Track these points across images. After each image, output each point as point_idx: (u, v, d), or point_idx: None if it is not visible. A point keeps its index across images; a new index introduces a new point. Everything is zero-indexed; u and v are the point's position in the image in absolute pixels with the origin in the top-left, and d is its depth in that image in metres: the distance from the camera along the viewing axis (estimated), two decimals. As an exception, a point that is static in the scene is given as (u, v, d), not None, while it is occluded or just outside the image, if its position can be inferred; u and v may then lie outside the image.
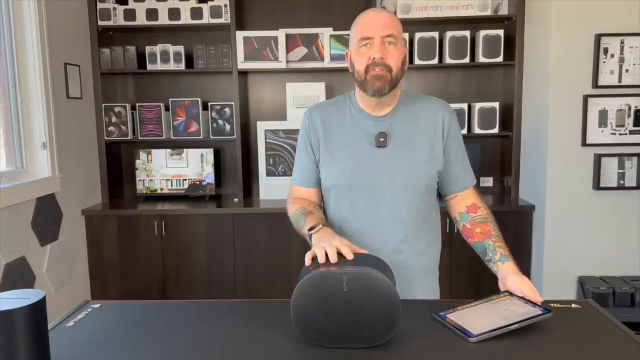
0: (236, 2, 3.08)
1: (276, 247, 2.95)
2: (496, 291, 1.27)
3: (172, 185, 3.26)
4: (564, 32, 2.71)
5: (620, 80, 2.71)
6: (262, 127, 3.21)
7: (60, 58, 2.84)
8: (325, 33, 3.06)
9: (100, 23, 3.08)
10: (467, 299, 1.21)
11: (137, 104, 3.22)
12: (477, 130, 3.08)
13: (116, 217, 3.00)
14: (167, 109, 3.23)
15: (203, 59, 3.13)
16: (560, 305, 1.23)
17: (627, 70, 2.70)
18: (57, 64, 2.81)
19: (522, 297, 1.21)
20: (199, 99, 3.20)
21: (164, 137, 3.21)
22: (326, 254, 1.10)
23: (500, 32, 3.01)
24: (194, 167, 3.24)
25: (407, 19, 3.04)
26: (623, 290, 2.65)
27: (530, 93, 2.98)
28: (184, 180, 3.25)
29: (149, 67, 3.15)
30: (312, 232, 1.27)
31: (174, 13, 3.07)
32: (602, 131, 2.73)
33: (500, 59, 3.02)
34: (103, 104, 3.16)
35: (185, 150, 3.24)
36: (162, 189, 3.26)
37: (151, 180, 3.25)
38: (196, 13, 3.07)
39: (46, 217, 2.69)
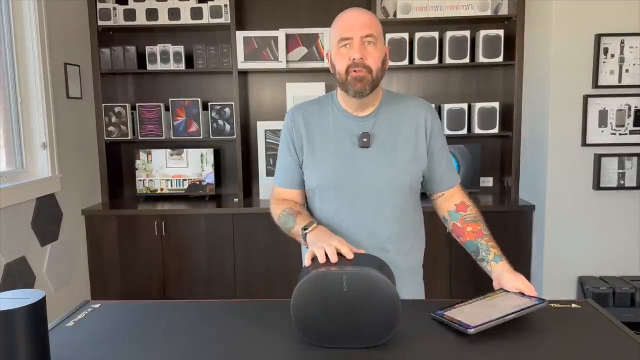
0: (236, 2, 3.08)
1: (276, 247, 2.95)
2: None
3: (172, 186, 3.26)
4: (564, 32, 2.71)
5: (620, 80, 2.71)
6: (262, 127, 3.21)
7: (60, 58, 2.84)
8: (325, 33, 3.06)
9: (100, 23, 3.08)
10: (467, 298, 1.21)
11: (137, 104, 3.22)
12: (477, 130, 3.08)
13: (116, 217, 3.00)
14: (167, 109, 3.24)
15: (203, 59, 3.13)
16: (560, 305, 1.23)
17: (627, 70, 2.70)
18: (57, 64, 2.81)
19: (517, 293, 1.21)
20: (199, 99, 3.20)
21: (164, 137, 3.21)
22: (326, 254, 1.10)
23: (500, 32, 3.01)
24: (193, 167, 3.24)
25: (407, 19, 3.04)
26: (623, 290, 2.65)
27: (530, 93, 2.98)
28: (183, 180, 3.25)
29: (149, 67, 3.15)
30: (306, 230, 1.27)
31: (174, 13, 3.07)
32: (602, 131, 2.74)
33: (500, 59, 3.02)
34: (103, 104, 3.16)
35: (185, 150, 3.24)
36: (162, 189, 3.26)
37: (151, 180, 3.25)
38: (196, 13, 3.07)
39: (46, 217, 2.69)
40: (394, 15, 3.11)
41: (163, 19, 3.07)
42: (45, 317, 0.93)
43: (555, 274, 2.84)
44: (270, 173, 3.17)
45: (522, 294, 1.20)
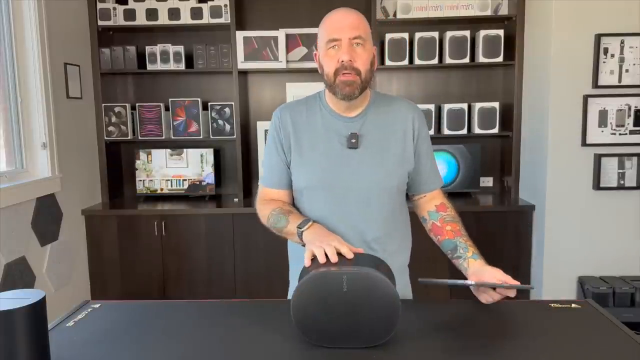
0: (236, 2, 3.08)
1: (276, 247, 2.94)
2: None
3: (172, 186, 3.26)
4: (564, 32, 2.71)
5: (620, 80, 2.71)
6: (262, 127, 3.21)
7: (60, 58, 2.84)
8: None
9: (100, 23, 3.08)
10: (467, 299, 1.21)
11: (137, 104, 3.22)
12: (477, 130, 3.08)
13: (116, 217, 3.00)
14: (167, 109, 3.23)
15: (203, 59, 3.13)
16: (560, 305, 1.23)
17: (627, 70, 2.70)
18: (57, 64, 2.81)
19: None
20: (199, 99, 3.20)
21: (164, 137, 3.21)
22: (326, 254, 1.10)
23: (500, 32, 3.01)
24: (193, 167, 3.24)
25: (407, 19, 3.04)
26: (623, 290, 2.65)
27: (530, 93, 2.98)
28: (183, 180, 3.25)
29: (149, 67, 3.15)
30: (302, 229, 1.26)
31: (174, 13, 3.07)
32: (602, 131, 2.74)
33: (500, 59, 3.02)
34: (103, 104, 3.16)
35: (185, 150, 3.24)
36: (162, 189, 3.26)
37: (151, 180, 3.25)
38: (196, 13, 3.07)
39: (46, 217, 2.69)
40: (394, 15, 3.11)
41: (163, 19, 3.07)
42: (45, 317, 0.93)
43: (555, 274, 2.84)
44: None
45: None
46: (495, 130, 3.08)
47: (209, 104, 3.20)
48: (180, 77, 3.37)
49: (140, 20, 3.08)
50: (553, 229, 2.81)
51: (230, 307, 1.26)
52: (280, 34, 3.09)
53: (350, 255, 1.10)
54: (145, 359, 1.00)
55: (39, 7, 2.62)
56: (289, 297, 1.48)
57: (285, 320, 1.09)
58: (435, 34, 3.04)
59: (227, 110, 3.18)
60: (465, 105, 3.10)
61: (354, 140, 1.35)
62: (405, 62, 3.05)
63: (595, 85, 2.71)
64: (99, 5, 3.08)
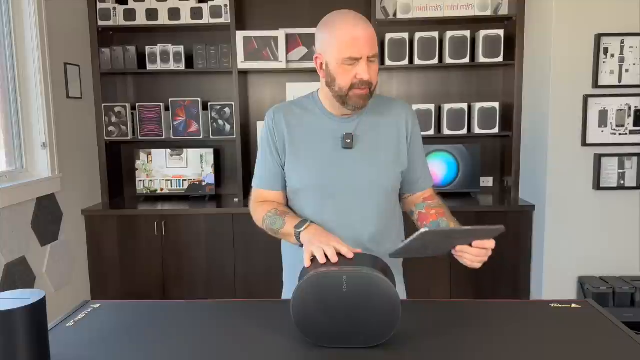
0: (236, 2, 3.08)
1: (276, 247, 2.92)
2: (495, 292, 1.28)
3: (172, 186, 3.26)
4: (564, 32, 2.71)
5: (620, 80, 2.71)
6: (262, 127, 3.21)
7: (60, 58, 2.84)
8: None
9: (100, 23, 3.08)
10: (467, 298, 1.21)
11: (137, 104, 3.22)
12: (477, 130, 3.08)
13: (116, 217, 3.00)
14: (167, 109, 3.23)
15: (203, 59, 3.13)
16: (560, 305, 1.23)
17: (627, 70, 2.70)
18: (57, 64, 2.81)
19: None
20: (199, 99, 3.20)
21: (164, 137, 3.21)
22: (326, 255, 1.10)
23: (500, 32, 3.01)
24: (193, 167, 3.24)
25: (407, 19, 3.04)
26: (623, 290, 2.65)
27: (530, 93, 2.98)
28: (183, 180, 3.25)
29: (149, 67, 3.14)
30: (300, 229, 1.26)
31: (174, 13, 3.07)
32: (602, 131, 2.73)
33: (500, 59, 3.02)
34: (103, 104, 3.16)
35: (185, 150, 3.23)
36: (162, 189, 3.26)
37: (151, 180, 3.25)
38: (196, 13, 3.07)
39: (46, 217, 2.69)
40: (394, 15, 3.11)
41: (163, 19, 3.07)
42: (45, 317, 0.93)
43: (555, 274, 2.84)
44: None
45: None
46: (495, 130, 3.08)
47: (209, 104, 3.20)
48: (180, 77, 3.37)
49: (140, 20, 3.08)
50: (553, 229, 2.81)
51: (230, 307, 1.26)
52: (280, 34, 3.09)
53: (350, 255, 1.10)
54: (145, 359, 1.00)
55: (39, 7, 2.62)
56: (283, 297, 1.49)
57: (285, 320, 1.09)
58: (435, 34, 3.04)
59: (227, 110, 3.18)
60: (465, 105, 3.10)
61: (348, 141, 1.35)
62: (405, 62, 3.05)
63: (595, 85, 2.71)
64: (99, 5, 3.08)
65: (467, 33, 3.03)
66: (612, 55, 2.69)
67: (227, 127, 3.19)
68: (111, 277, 3.04)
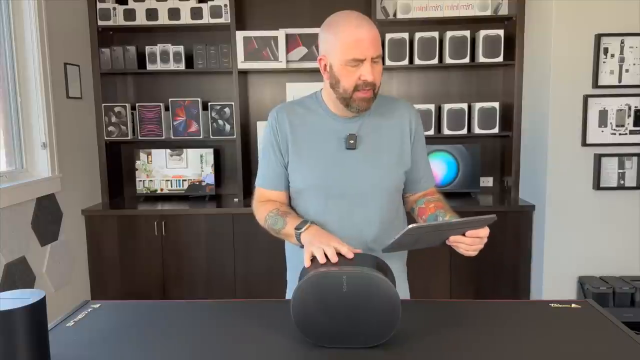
0: (236, 2, 3.08)
1: (276, 247, 2.92)
2: (495, 292, 1.28)
3: (172, 186, 3.26)
4: (564, 32, 2.71)
5: (620, 80, 2.71)
6: (262, 127, 3.21)
7: (60, 58, 2.84)
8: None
9: (100, 23, 3.08)
10: (467, 298, 1.21)
11: (137, 104, 3.22)
12: (477, 130, 3.08)
13: (116, 217, 3.00)
14: (167, 109, 3.23)
15: (203, 59, 3.13)
16: (560, 305, 1.23)
17: (627, 70, 2.70)
18: (57, 64, 2.81)
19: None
20: (199, 99, 3.20)
21: (164, 137, 3.21)
22: (326, 255, 1.10)
23: (500, 32, 3.01)
24: (193, 167, 3.24)
25: (407, 19, 3.04)
26: (623, 290, 2.65)
27: (530, 93, 2.98)
28: (183, 180, 3.25)
29: (149, 67, 3.14)
30: (300, 230, 1.26)
31: (174, 13, 3.07)
32: (602, 131, 2.73)
33: (500, 59, 3.02)
34: (103, 104, 3.16)
35: (185, 150, 3.23)
36: (161, 189, 3.26)
37: (151, 180, 3.25)
38: (196, 13, 3.07)
39: (46, 217, 2.69)
40: (394, 15, 3.11)
41: (163, 19, 3.07)
42: (45, 317, 0.93)
43: (555, 274, 2.84)
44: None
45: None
46: (495, 130, 3.08)
47: (209, 104, 3.20)
48: (180, 77, 3.37)
49: (140, 20, 3.08)
50: (553, 229, 2.81)
51: (230, 307, 1.26)
52: (280, 34, 3.09)
53: (350, 255, 1.10)
54: (145, 359, 1.00)
55: (39, 7, 2.62)
56: (287, 297, 1.49)
57: (285, 320, 1.09)
58: (435, 34, 3.04)
59: (227, 110, 3.18)
60: (465, 105, 3.10)
61: (352, 141, 1.35)
62: (405, 62, 3.05)
63: (595, 85, 2.71)
64: (99, 5, 3.08)
65: (467, 33, 3.03)
66: (612, 55, 2.69)
67: (227, 127, 3.19)
68: (111, 277, 3.04)
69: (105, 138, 3.18)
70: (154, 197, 3.30)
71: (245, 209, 2.97)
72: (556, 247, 2.82)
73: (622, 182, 2.76)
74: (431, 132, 3.10)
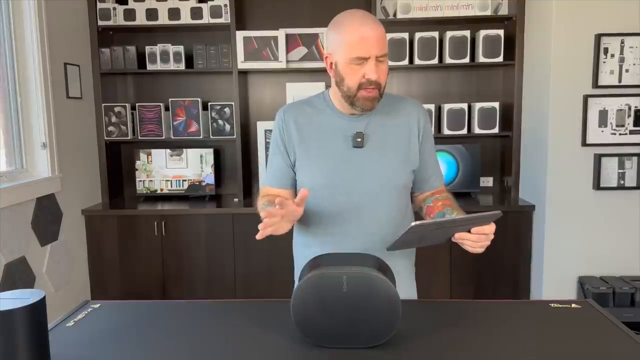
0: (236, 2, 3.08)
1: (276, 247, 2.94)
2: (495, 292, 1.28)
3: (172, 186, 3.26)
4: (564, 32, 2.71)
5: (620, 80, 2.71)
6: (262, 127, 3.21)
7: (60, 58, 2.84)
8: (325, 33, 3.06)
9: (100, 23, 3.08)
10: (467, 298, 1.21)
11: (137, 104, 3.22)
12: (477, 130, 3.08)
13: (116, 217, 3.00)
14: (167, 109, 3.23)
15: (203, 59, 3.13)
16: (560, 305, 1.23)
17: (627, 70, 2.70)
18: (57, 64, 2.81)
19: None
20: (199, 99, 3.20)
21: (164, 137, 3.21)
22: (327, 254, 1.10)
23: (500, 32, 3.01)
24: (193, 167, 3.24)
25: (407, 19, 3.04)
26: (623, 290, 2.65)
27: (530, 93, 2.98)
28: (183, 180, 3.25)
29: (149, 67, 3.14)
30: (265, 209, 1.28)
31: (174, 13, 3.07)
32: (602, 131, 2.73)
33: (500, 59, 3.02)
34: (103, 104, 3.16)
35: (185, 150, 3.23)
36: (161, 190, 3.26)
37: (151, 180, 3.25)
38: (196, 13, 3.07)
39: (46, 217, 2.69)
40: (394, 15, 3.11)
41: (163, 19, 3.07)
42: (45, 317, 0.93)
43: (555, 274, 2.84)
44: (270, 173, 3.17)
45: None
46: (495, 130, 3.08)
47: (209, 104, 3.20)
48: (180, 77, 3.37)
49: (140, 20, 3.08)
50: (553, 229, 2.81)
51: (230, 307, 1.26)
52: (280, 34, 3.09)
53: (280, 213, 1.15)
54: (145, 359, 1.00)
55: (39, 7, 2.62)
56: None
57: (285, 320, 1.09)
58: (435, 34, 3.04)
59: (227, 110, 3.18)
60: (465, 105, 3.10)
61: (359, 139, 1.35)
62: (405, 62, 3.05)
63: (595, 85, 2.71)
64: (99, 5, 3.08)
65: (467, 33, 3.03)
66: (612, 55, 2.69)
67: (227, 127, 3.19)
68: (111, 277, 3.04)
69: (105, 138, 3.18)
70: (154, 197, 3.30)
71: (245, 209, 2.97)
72: (556, 247, 2.82)
73: (622, 182, 2.76)
74: (431, 132, 3.09)
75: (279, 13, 3.26)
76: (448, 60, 3.05)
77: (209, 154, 3.23)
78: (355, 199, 1.36)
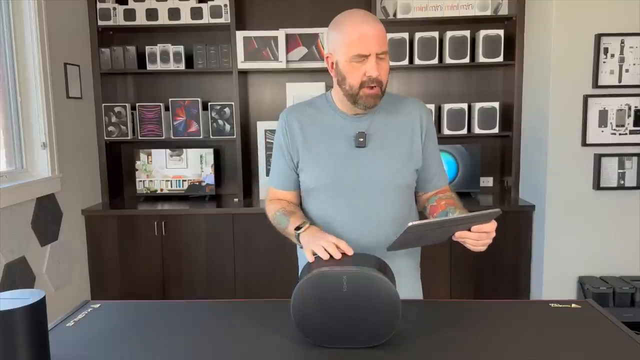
0: (236, 2, 3.08)
1: (276, 247, 2.95)
2: (495, 292, 1.28)
3: (172, 186, 3.26)
4: (564, 32, 2.71)
5: (620, 80, 2.71)
6: (262, 127, 3.21)
7: (60, 58, 2.84)
8: (325, 33, 3.06)
9: (100, 23, 3.08)
10: (467, 298, 1.21)
11: (137, 104, 3.22)
12: (477, 130, 3.08)
13: (116, 217, 3.00)
14: (167, 109, 3.23)
15: (203, 59, 3.13)
16: (560, 305, 1.23)
17: (627, 70, 2.70)
18: (57, 64, 2.81)
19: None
20: (199, 99, 3.20)
21: (164, 137, 3.21)
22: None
23: (500, 32, 3.01)
24: (193, 167, 3.24)
25: (407, 19, 3.04)
26: (623, 290, 2.65)
27: (530, 93, 2.98)
28: (183, 181, 3.25)
29: (149, 67, 3.14)
30: (300, 230, 1.27)
31: (174, 13, 3.07)
32: (602, 131, 2.73)
33: (500, 59, 3.02)
34: (103, 104, 3.16)
35: (184, 150, 3.23)
36: (161, 190, 3.26)
37: (151, 181, 3.25)
38: (196, 13, 3.07)
39: (46, 217, 2.69)
40: (394, 15, 3.11)
41: (163, 19, 3.07)
42: (45, 317, 0.93)
43: (555, 274, 2.84)
44: (270, 173, 3.17)
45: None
46: (495, 130, 3.08)
47: (209, 104, 3.20)
48: (180, 77, 3.37)
49: (140, 20, 3.08)
50: (553, 228, 2.81)
51: (230, 307, 1.26)
52: (280, 34, 3.09)
53: (350, 252, 1.10)
54: (145, 358, 1.00)
55: (39, 7, 2.62)
56: None
57: (285, 320, 1.09)
58: (435, 34, 3.04)
59: (227, 110, 3.18)
60: (465, 105, 3.10)
61: (362, 139, 1.35)
62: (405, 62, 3.05)
63: (595, 85, 2.71)
64: (99, 5, 3.08)
65: (467, 33, 3.03)
66: (612, 55, 2.69)
67: (227, 127, 3.19)
68: (111, 277, 3.04)
69: (105, 138, 3.18)
70: (154, 197, 3.30)
71: (245, 209, 2.97)
72: (556, 247, 2.82)
73: (622, 182, 2.76)
74: (431, 132, 3.09)
75: (279, 13, 3.26)
76: (448, 60, 3.05)
77: (209, 154, 3.23)
78: (358, 199, 1.36)
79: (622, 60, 2.69)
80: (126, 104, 3.19)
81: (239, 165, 3.22)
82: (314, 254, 1.13)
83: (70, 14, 2.95)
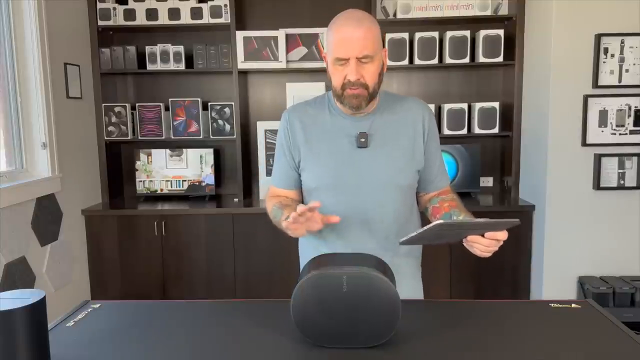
0: (236, 2, 3.08)
1: (276, 247, 2.95)
2: (495, 292, 1.28)
3: (172, 186, 3.26)
4: (564, 32, 2.71)
5: (620, 80, 2.71)
6: (262, 127, 3.21)
7: (60, 58, 2.84)
8: (325, 33, 3.06)
9: (100, 23, 3.08)
10: (467, 299, 1.21)
11: (137, 104, 3.22)
12: (477, 130, 3.08)
13: (116, 217, 3.00)
14: (167, 109, 3.23)
15: (203, 59, 3.13)
16: (560, 305, 1.23)
17: (627, 70, 2.70)
18: (57, 64, 2.81)
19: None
20: (199, 99, 3.20)
21: (164, 137, 3.21)
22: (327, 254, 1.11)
23: (500, 32, 3.01)
24: (193, 168, 3.24)
25: (407, 19, 3.04)
26: (623, 290, 2.65)
27: (530, 93, 2.98)
28: (183, 181, 3.25)
29: (149, 67, 3.14)
30: (287, 219, 1.28)
31: (174, 13, 3.07)
32: (602, 131, 2.73)
33: (500, 59, 3.02)
34: (103, 104, 3.16)
35: (184, 150, 3.23)
36: (161, 190, 3.26)
37: (151, 181, 3.25)
38: (196, 13, 3.07)
39: (46, 217, 2.69)
40: (394, 15, 3.11)
41: (163, 19, 3.07)
42: (45, 317, 0.93)
43: (555, 274, 2.84)
44: (270, 173, 3.16)
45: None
46: (495, 130, 3.08)
47: (209, 104, 3.20)
48: (180, 77, 3.37)
49: (140, 20, 3.08)
50: (553, 228, 2.81)
51: (230, 307, 1.26)
52: (280, 34, 3.09)
53: (317, 204, 1.17)
54: (145, 359, 1.00)
55: (39, 7, 2.62)
56: None
57: (285, 320, 1.09)
58: (435, 34, 3.04)
59: (227, 110, 3.18)
60: (465, 105, 3.10)
61: (363, 140, 1.35)
62: (405, 62, 3.05)
63: (596, 85, 2.71)
64: (99, 5, 3.08)
65: (467, 33, 3.03)
66: (612, 55, 2.69)
67: (227, 127, 3.19)
68: (111, 277, 3.04)
69: (105, 138, 3.18)
70: (154, 197, 3.30)
71: (245, 209, 2.97)
72: (556, 247, 2.82)
73: (622, 182, 2.76)
74: (431, 132, 3.09)
75: (279, 13, 3.26)
76: (448, 60, 3.05)
77: (209, 154, 3.23)
78: (360, 199, 1.36)
79: (622, 60, 2.69)
80: (126, 104, 3.19)
81: (239, 165, 3.22)
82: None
83: (70, 14, 2.95)
